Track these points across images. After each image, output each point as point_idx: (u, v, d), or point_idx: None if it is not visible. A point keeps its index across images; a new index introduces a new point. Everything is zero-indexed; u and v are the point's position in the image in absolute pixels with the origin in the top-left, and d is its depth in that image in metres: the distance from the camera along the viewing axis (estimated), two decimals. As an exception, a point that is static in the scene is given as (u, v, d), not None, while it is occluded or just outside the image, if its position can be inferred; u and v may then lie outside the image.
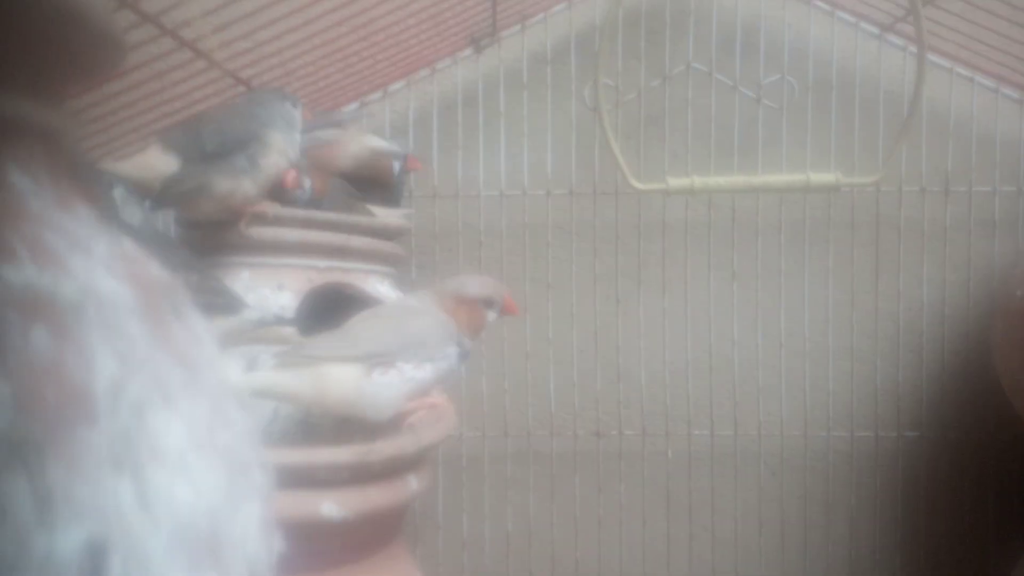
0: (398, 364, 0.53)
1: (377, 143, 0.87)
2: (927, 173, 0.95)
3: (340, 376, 0.52)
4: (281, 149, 0.68)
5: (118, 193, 0.58)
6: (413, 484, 0.51)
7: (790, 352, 0.98)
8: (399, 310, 0.62)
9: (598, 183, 0.96)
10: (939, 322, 0.97)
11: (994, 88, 0.95)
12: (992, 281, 0.95)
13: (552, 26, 0.97)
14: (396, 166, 0.88)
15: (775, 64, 0.95)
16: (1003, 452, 0.95)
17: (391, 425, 0.57)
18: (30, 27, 0.22)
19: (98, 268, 0.23)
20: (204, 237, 0.72)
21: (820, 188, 0.78)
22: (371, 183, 0.88)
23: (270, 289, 0.69)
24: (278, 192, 0.72)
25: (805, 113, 0.95)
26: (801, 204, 0.97)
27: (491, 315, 0.61)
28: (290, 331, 0.66)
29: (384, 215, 0.83)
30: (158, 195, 0.64)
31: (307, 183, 0.77)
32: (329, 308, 0.74)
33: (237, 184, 0.66)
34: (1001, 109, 0.95)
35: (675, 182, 0.78)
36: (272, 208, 0.71)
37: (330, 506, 0.44)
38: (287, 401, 0.56)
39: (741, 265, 0.98)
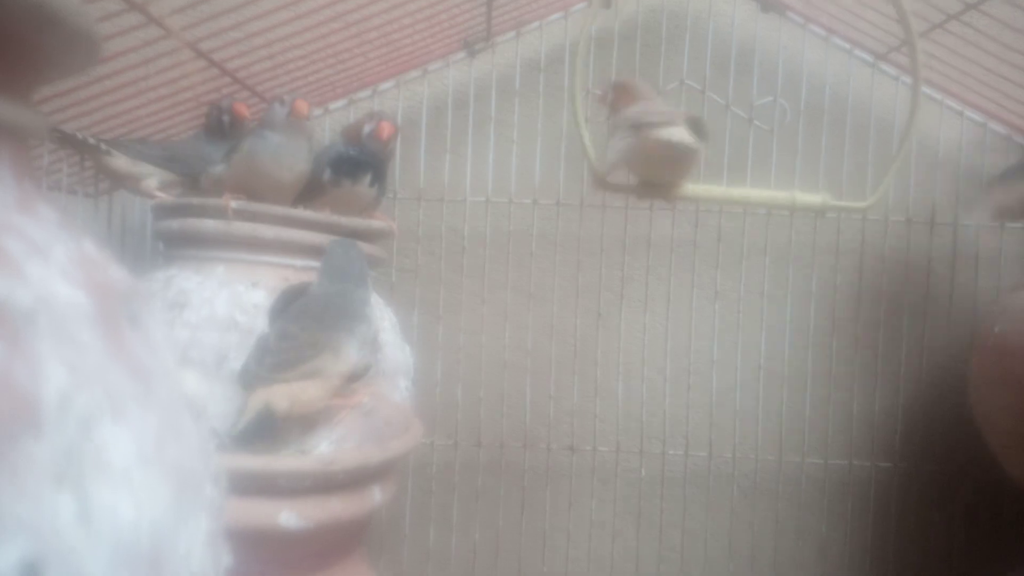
0: None
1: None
2: (914, 204, 0.95)
3: None
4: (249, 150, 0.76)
5: None
6: (377, 495, 0.50)
7: (769, 375, 0.98)
8: None
9: (586, 195, 0.95)
10: (918, 353, 0.97)
11: (982, 123, 0.96)
12: (972, 315, 0.95)
13: (547, 34, 0.97)
14: (366, 130, 0.81)
15: (768, 86, 0.95)
16: (974, 486, 0.95)
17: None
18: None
19: (55, 274, 0.23)
20: (180, 229, 0.71)
21: (805, 208, 0.74)
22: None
23: (244, 286, 0.68)
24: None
25: (796, 137, 0.95)
26: (787, 227, 0.97)
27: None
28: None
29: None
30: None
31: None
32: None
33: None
34: (989, 144, 0.96)
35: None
36: (234, 202, 0.70)
37: (288, 515, 0.43)
38: None
39: (724, 285, 0.98)
